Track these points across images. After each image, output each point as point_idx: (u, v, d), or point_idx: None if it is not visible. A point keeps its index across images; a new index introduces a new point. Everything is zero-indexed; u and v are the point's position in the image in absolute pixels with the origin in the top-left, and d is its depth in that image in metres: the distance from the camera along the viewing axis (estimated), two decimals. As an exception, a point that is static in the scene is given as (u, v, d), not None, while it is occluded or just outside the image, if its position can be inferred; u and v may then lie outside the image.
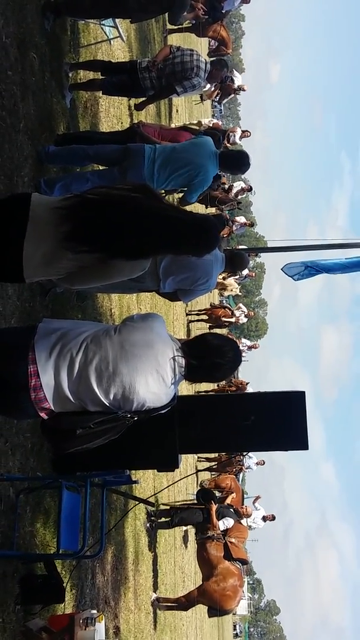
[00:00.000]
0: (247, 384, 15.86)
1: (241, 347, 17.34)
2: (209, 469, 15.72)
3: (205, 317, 15.62)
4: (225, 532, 8.35)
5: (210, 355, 2.54)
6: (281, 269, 8.25)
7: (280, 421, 4.07)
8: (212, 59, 14.42)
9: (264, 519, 15.36)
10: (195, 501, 9.02)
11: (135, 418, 2.41)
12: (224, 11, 11.83)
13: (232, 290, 17.48)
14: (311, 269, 8.14)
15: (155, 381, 2.40)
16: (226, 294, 18.98)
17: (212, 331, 16.68)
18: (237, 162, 5.30)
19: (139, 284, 4.75)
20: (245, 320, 19.90)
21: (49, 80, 5.05)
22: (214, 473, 13.73)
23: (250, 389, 17.45)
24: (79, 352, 2.34)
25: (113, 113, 7.25)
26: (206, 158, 4.94)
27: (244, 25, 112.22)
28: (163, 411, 2.48)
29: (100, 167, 5.43)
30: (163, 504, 8.49)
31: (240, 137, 14.85)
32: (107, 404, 2.37)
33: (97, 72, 5.86)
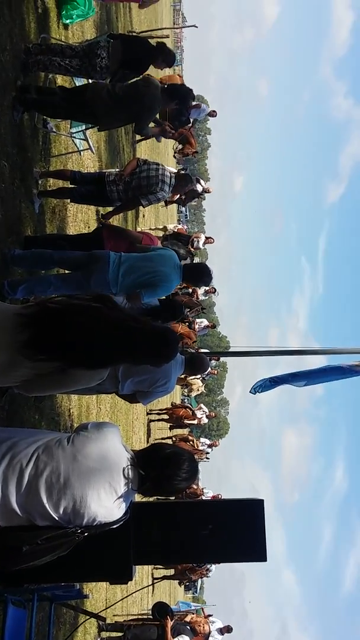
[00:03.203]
0: (202, 489, 15.58)
1: (201, 447, 17.15)
2: (165, 577, 15.10)
3: (166, 416, 15.49)
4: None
5: (160, 466, 2.45)
6: (249, 392, 8.26)
7: (238, 531, 4.01)
8: (178, 167, 15.00)
9: (220, 631, 14.60)
10: (150, 615, 8.57)
11: (86, 534, 2.33)
12: (191, 119, 12.46)
13: (197, 389, 17.49)
14: (273, 383, 8.22)
15: (107, 495, 2.34)
16: (193, 394, 18.97)
17: (172, 433, 16.51)
18: (200, 274, 5.49)
19: (97, 386, 4.70)
20: (206, 421, 19.80)
21: (18, 186, 5.24)
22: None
23: (210, 492, 17.13)
24: (29, 463, 2.27)
25: (81, 218, 7.49)
26: (171, 268, 5.10)
27: (209, 138, 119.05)
28: (115, 526, 2.41)
29: (65, 271, 5.54)
30: (114, 620, 8.05)
31: (204, 243, 15.38)
32: (57, 518, 2.29)
33: (67, 181, 6.11)
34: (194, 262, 5.57)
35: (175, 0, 53.56)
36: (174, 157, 10.91)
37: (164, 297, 5.53)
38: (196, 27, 18.16)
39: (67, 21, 7.14)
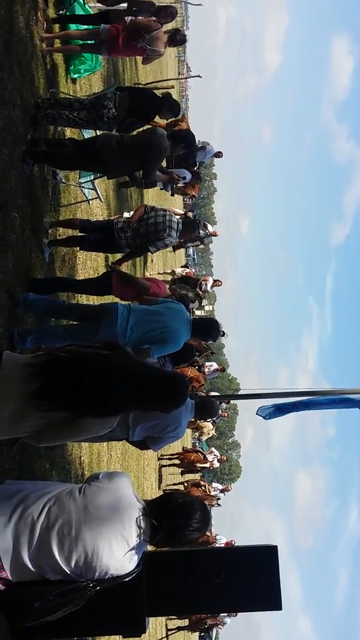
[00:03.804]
0: (215, 536, 15.31)
1: (213, 492, 16.88)
2: (180, 628, 14.73)
3: (177, 461, 15.33)
4: None
5: (171, 515, 2.41)
6: (256, 413, 8.39)
7: (252, 579, 3.93)
8: (186, 210, 15.15)
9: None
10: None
11: (98, 587, 2.29)
12: (197, 162, 12.65)
13: (208, 432, 17.33)
14: (282, 410, 8.32)
15: (119, 546, 2.30)
16: (204, 438, 18.81)
17: (184, 478, 16.30)
18: (209, 329, 5.52)
19: (108, 434, 4.70)
20: (218, 465, 19.56)
21: (29, 236, 5.33)
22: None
23: (223, 539, 16.80)
24: (41, 516, 2.25)
25: (90, 265, 7.59)
26: (181, 323, 5.07)
27: (215, 182, 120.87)
28: (127, 579, 2.37)
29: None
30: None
31: (212, 286, 15.46)
32: (69, 572, 2.26)
33: (76, 229, 6.22)
34: (203, 317, 5.63)
35: (179, 51, 55.14)
36: (172, 195, 11.01)
37: None
38: (200, 77, 18.59)
39: (75, 75, 7.38)
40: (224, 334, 18.14)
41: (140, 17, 6.73)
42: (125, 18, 6.62)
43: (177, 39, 6.86)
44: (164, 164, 7.59)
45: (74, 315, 5.28)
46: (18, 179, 5.16)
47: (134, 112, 5.95)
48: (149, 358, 4.93)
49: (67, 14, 6.94)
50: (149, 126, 7.19)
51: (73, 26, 6.86)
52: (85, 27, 6.85)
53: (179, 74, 47.00)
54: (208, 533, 14.81)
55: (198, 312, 34.06)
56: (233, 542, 15.84)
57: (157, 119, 7.20)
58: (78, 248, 6.51)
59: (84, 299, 6.86)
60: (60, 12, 6.92)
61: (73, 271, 6.80)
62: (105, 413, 2.45)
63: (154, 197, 15.57)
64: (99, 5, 7.56)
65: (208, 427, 16.80)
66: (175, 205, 15.84)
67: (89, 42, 6.71)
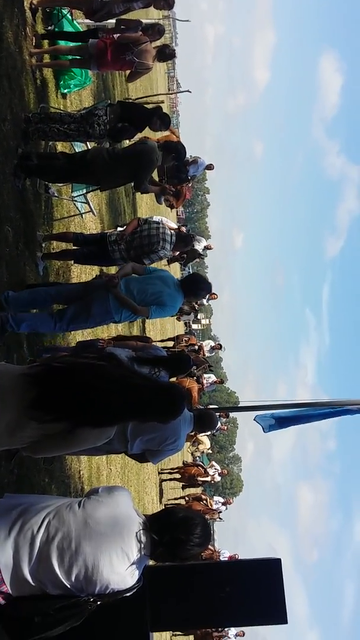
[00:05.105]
0: (219, 551, 15.18)
1: (215, 506, 16.75)
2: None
3: (178, 475, 15.23)
4: None
5: (172, 530, 2.38)
6: (254, 419, 8.33)
7: (257, 592, 3.88)
8: (179, 225, 15.16)
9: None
10: None
11: (99, 602, 2.25)
12: (189, 176, 12.70)
13: (203, 450, 17.26)
14: (281, 423, 8.26)
15: (119, 560, 2.27)
16: (197, 454, 18.71)
17: (185, 492, 16.18)
18: (196, 284, 5.52)
19: (107, 446, 4.66)
20: (219, 478, 19.44)
21: (22, 250, 5.31)
22: None
23: (226, 553, 16.65)
24: (40, 530, 2.22)
25: (84, 278, 7.54)
26: (173, 288, 5.19)
27: (208, 197, 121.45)
28: (128, 594, 2.32)
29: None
30: None
31: (208, 299, 15.44)
32: (69, 586, 2.22)
33: (70, 243, 6.19)
34: (186, 276, 5.65)
35: (169, 68, 55.58)
36: (159, 203, 11.03)
37: (172, 351, 5.56)
38: (190, 92, 18.66)
39: (65, 91, 7.39)
40: (220, 346, 18.17)
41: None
42: (114, 35, 6.64)
43: (167, 52, 6.88)
44: (155, 175, 7.60)
45: (60, 298, 5.22)
46: (10, 192, 5.14)
47: (125, 120, 5.98)
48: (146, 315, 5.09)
49: (56, 29, 6.96)
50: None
51: (62, 41, 6.88)
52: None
53: (168, 89, 47.33)
54: (211, 548, 14.69)
55: (194, 326, 34.08)
56: (236, 557, 15.70)
57: (148, 133, 7.22)
58: (72, 261, 6.48)
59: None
60: (49, 27, 6.94)
61: (67, 285, 6.77)
62: (101, 423, 2.41)
63: (147, 211, 15.58)
64: (87, 21, 7.58)
65: (205, 444, 16.72)
66: (169, 218, 15.82)
67: (78, 57, 6.72)
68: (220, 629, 14.03)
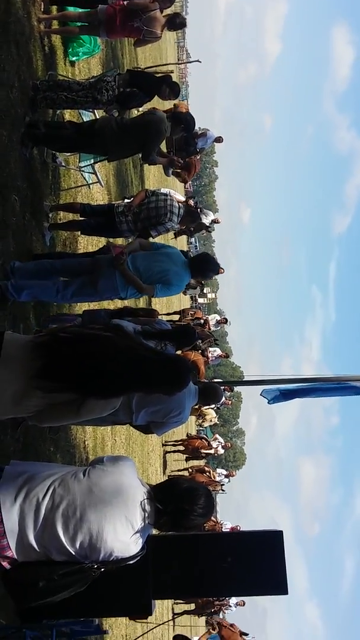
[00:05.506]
0: (221, 523, 15.33)
1: (218, 478, 16.92)
2: (186, 612, 14.80)
3: (181, 447, 15.35)
4: None
5: (176, 500, 2.39)
6: (260, 394, 8.36)
7: (258, 563, 3.93)
8: (187, 198, 15.02)
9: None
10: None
11: (102, 569, 2.28)
12: (198, 148, 12.57)
13: (210, 420, 17.32)
14: (286, 395, 8.29)
15: (123, 528, 2.29)
16: (205, 424, 18.80)
17: (189, 464, 16.32)
18: (205, 264, 5.46)
19: (112, 417, 4.67)
20: (222, 451, 19.59)
21: (29, 220, 5.28)
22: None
23: (229, 524, 16.85)
24: (46, 497, 2.24)
25: (91, 249, 7.51)
26: (180, 267, 5.14)
27: (217, 170, 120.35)
28: (132, 562, 2.34)
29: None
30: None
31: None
32: (73, 553, 2.24)
33: (77, 213, 6.15)
34: (195, 255, 5.56)
35: (178, 37, 54.72)
36: (167, 175, 10.92)
37: (178, 324, 5.55)
38: (199, 61, 18.47)
39: (74, 58, 7.28)
40: (226, 320, 18.15)
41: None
42: (123, 1, 6.51)
43: (177, 22, 6.74)
44: (163, 147, 7.51)
45: (66, 272, 5.18)
46: (17, 161, 5.09)
47: (134, 87, 5.90)
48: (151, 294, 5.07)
49: (65, -6, 6.82)
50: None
51: (71, 7, 6.75)
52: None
53: (178, 59, 46.62)
54: (214, 519, 14.85)
55: (200, 300, 34.03)
56: (238, 528, 15.89)
57: (157, 105, 7.13)
58: (79, 232, 6.45)
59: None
60: (58, -7, 6.80)
61: (74, 256, 6.74)
62: (107, 394, 2.42)
63: (154, 183, 15.45)
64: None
65: (211, 414, 16.79)
66: (177, 190, 15.67)
67: (87, 24, 6.60)
68: (221, 598, 14.24)
